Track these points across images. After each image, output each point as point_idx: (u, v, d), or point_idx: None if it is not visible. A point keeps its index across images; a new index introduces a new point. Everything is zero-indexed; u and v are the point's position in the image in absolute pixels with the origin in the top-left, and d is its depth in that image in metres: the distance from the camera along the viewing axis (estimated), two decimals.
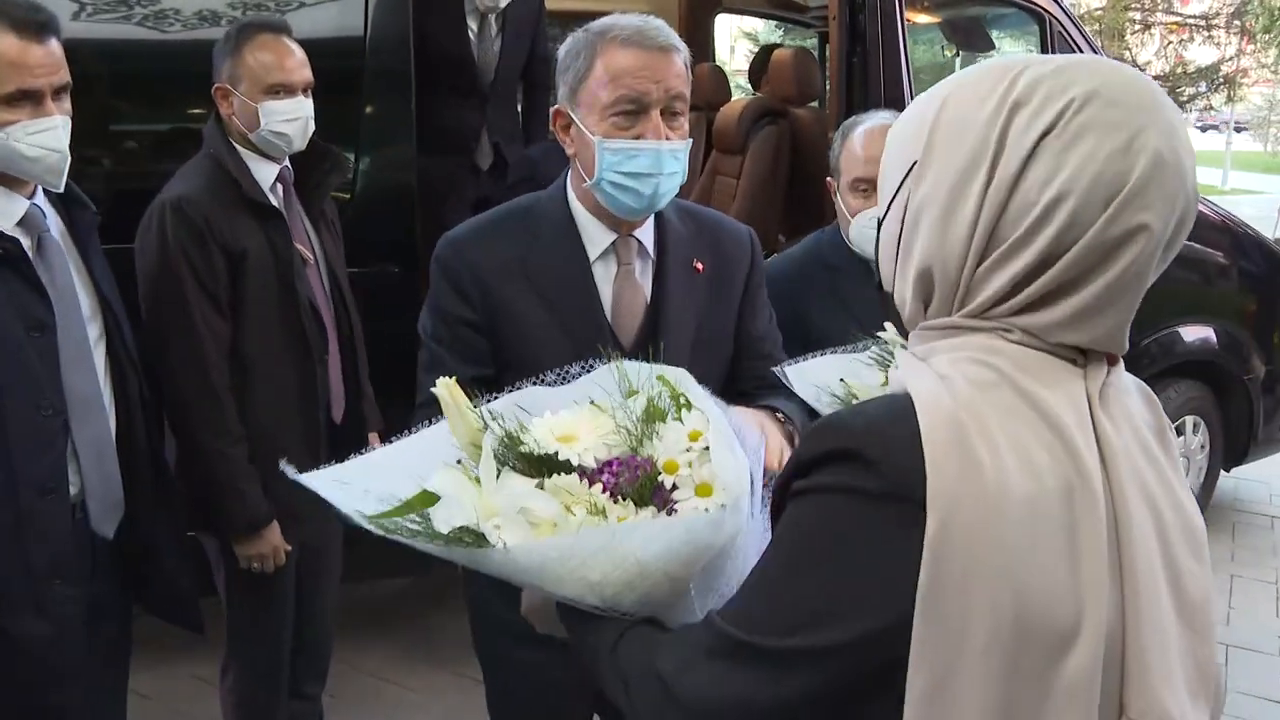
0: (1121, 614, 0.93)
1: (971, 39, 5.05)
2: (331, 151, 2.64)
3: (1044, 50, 4.09)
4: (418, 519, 1.18)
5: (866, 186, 2.25)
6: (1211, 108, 20.86)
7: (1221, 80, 20.04)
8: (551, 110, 1.75)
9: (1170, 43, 20.19)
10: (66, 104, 1.93)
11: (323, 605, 2.82)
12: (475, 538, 1.14)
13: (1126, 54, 19.47)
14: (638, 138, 1.66)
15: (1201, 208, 4.37)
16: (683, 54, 1.71)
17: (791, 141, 4.49)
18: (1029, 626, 0.90)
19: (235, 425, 2.40)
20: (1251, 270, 4.60)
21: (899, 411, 0.95)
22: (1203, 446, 4.63)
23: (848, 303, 2.20)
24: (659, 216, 1.84)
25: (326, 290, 2.62)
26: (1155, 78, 20.18)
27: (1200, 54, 20.81)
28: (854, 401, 1.76)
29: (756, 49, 8.38)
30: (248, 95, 2.41)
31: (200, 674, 3.26)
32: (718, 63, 5.80)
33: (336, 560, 2.84)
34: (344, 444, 2.57)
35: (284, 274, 2.45)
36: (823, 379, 1.82)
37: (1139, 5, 19.64)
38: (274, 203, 2.47)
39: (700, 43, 5.69)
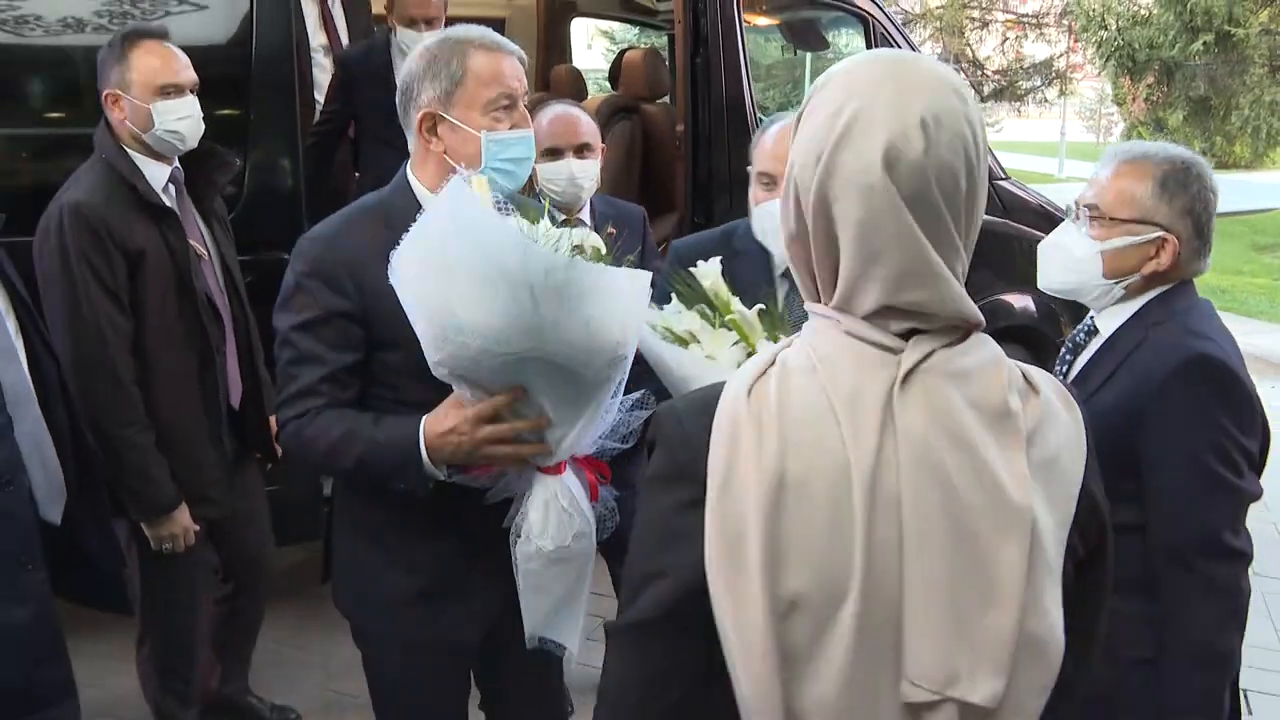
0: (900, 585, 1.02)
1: (807, 39, 5.48)
2: (218, 151, 2.75)
3: (869, 47, 4.50)
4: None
5: (769, 180, 2.36)
6: (1046, 100, 22.10)
7: (1054, 75, 21.21)
8: (418, 114, 1.88)
9: (1007, 39, 21.29)
10: None
11: (253, 575, 2.98)
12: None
13: (967, 50, 20.53)
14: (512, 128, 1.90)
15: (1023, 194, 4.88)
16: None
17: (644, 134, 4.81)
18: (800, 592, 1.02)
19: (141, 415, 2.52)
20: None
21: (709, 400, 1.09)
22: None
23: (740, 284, 2.28)
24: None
25: (221, 284, 2.74)
26: (995, 72, 21.25)
27: (1038, 50, 21.98)
28: (666, 337, 2.07)
29: (615, 49, 8.68)
30: (139, 98, 2.52)
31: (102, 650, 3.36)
32: (573, 64, 6.07)
33: (263, 529, 2.97)
34: (243, 428, 2.81)
35: (181, 271, 2.57)
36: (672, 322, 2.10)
37: (977, 4, 20.68)
38: (167, 203, 2.59)
39: (558, 45, 5.98)
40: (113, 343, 2.48)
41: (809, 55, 5.34)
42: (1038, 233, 4.97)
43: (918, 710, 1.03)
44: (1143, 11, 13.05)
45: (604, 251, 1.74)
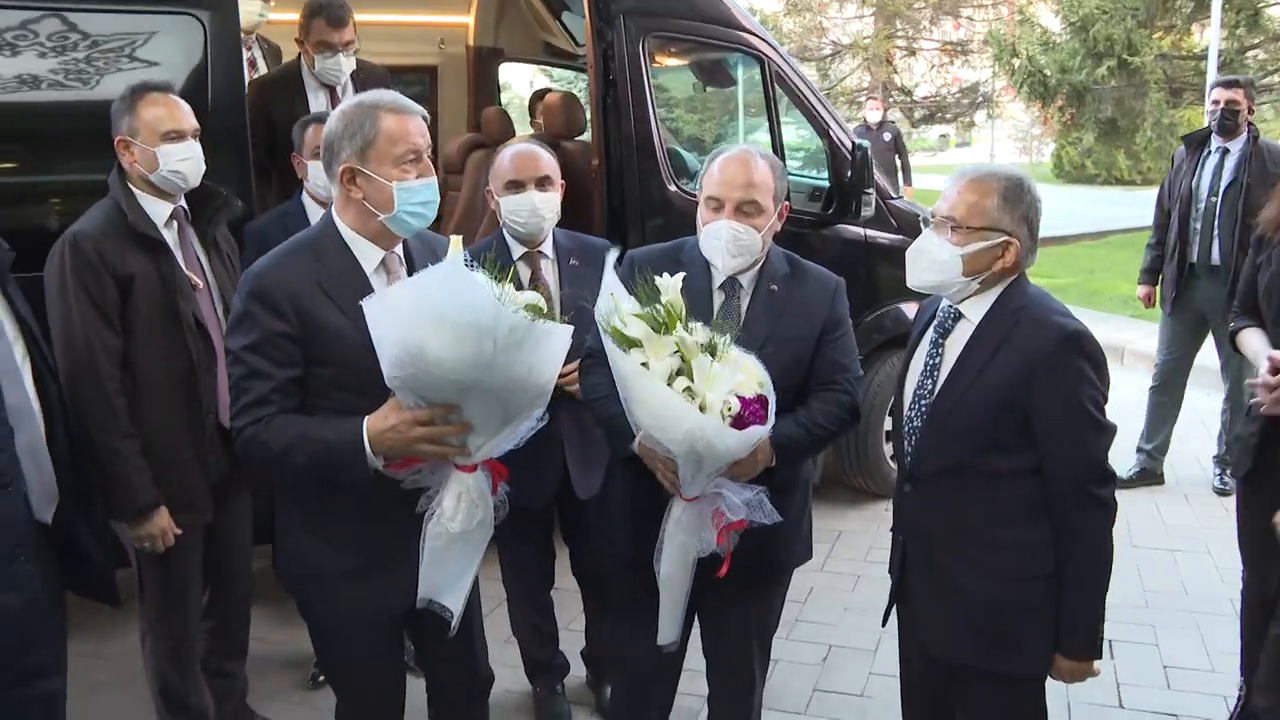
0: None
1: (715, 77, 5.94)
2: (220, 192, 3.06)
3: (765, 85, 4.96)
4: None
5: (718, 204, 2.59)
6: (974, 123, 22.93)
7: (981, 99, 21.97)
8: (340, 168, 2.22)
9: (934, 65, 22.06)
10: None
11: (234, 589, 3.23)
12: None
13: (895, 78, 21.30)
14: (418, 178, 2.25)
15: (914, 210, 5.31)
16: None
17: (563, 170, 5.21)
18: None
19: (124, 423, 2.77)
20: None
21: None
22: None
23: (685, 292, 2.45)
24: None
25: (218, 311, 3.00)
26: (924, 98, 21.88)
27: (965, 75, 22.74)
28: (616, 340, 2.37)
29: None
30: (146, 143, 2.83)
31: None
32: (502, 105, 6.48)
33: (245, 549, 3.24)
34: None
35: (169, 296, 2.84)
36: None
37: (903, 34, 21.46)
38: (166, 236, 2.88)
39: (487, 88, 6.40)
40: (100, 356, 2.74)
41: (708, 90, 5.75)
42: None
43: None
44: (1055, 38, 13.72)
45: (544, 310, 2.17)
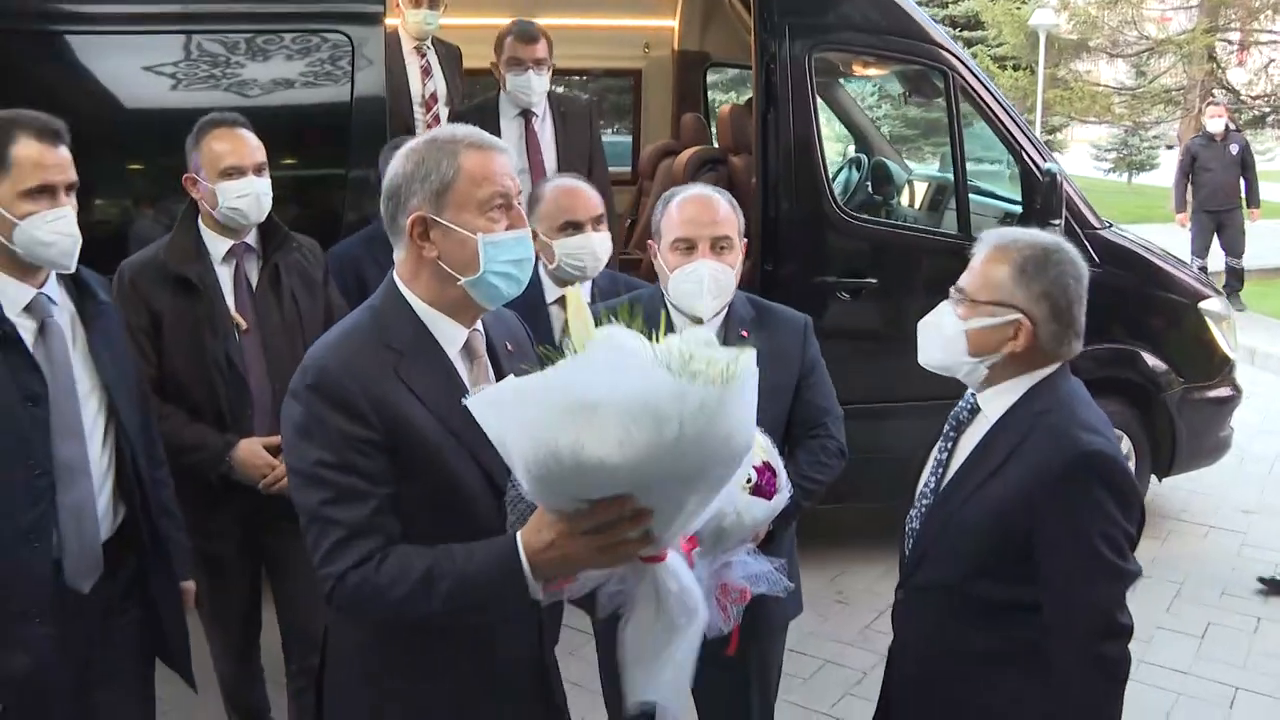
0: None
1: (920, 88, 5.59)
2: (279, 231, 2.99)
3: (949, 100, 4.59)
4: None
5: (687, 245, 2.44)
6: None
7: None
8: (408, 219, 1.76)
9: (1273, 60, 19.68)
10: (74, 199, 2.27)
11: (293, 591, 3.08)
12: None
13: (1219, 75, 19.17)
14: (509, 229, 1.77)
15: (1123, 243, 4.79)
16: None
17: (730, 184, 5.07)
18: None
19: (159, 453, 2.65)
20: None
21: None
22: None
23: None
24: None
25: (265, 358, 2.91)
26: (1255, 98, 19.55)
27: None
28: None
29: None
30: (208, 179, 2.84)
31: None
32: (704, 113, 6.36)
33: (301, 554, 3.20)
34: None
35: (198, 335, 2.84)
36: None
37: (1235, 25, 19.27)
38: (191, 275, 2.85)
39: (692, 94, 6.34)
40: (142, 374, 2.71)
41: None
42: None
43: None
44: None
45: (725, 364, 1.50)
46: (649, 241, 2.62)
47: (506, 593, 1.62)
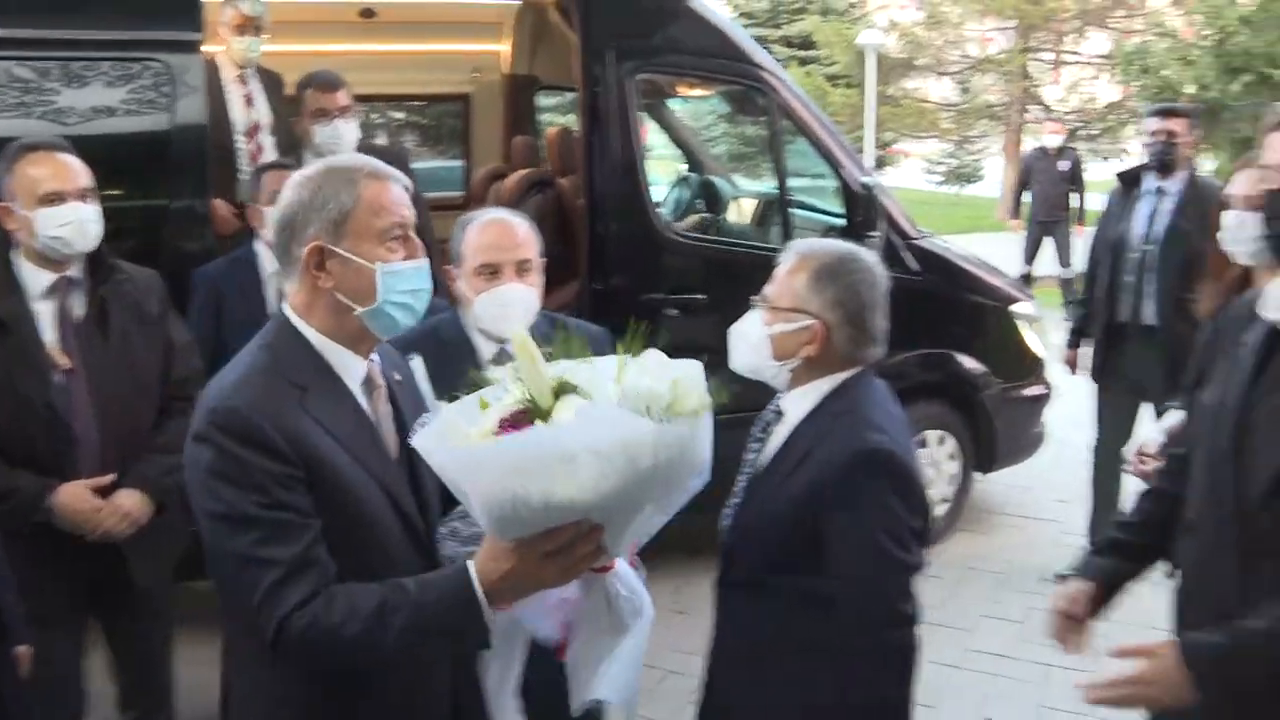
0: None
1: (744, 107, 5.77)
2: (105, 263, 2.78)
3: (771, 119, 4.76)
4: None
5: (491, 270, 2.45)
6: (1118, 141, 21.66)
7: (1127, 116, 20.72)
8: (304, 249, 1.71)
9: (1078, 80, 20.88)
10: None
11: (133, 641, 2.97)
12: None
13: (1033, 92, 20.29)
14: (406, 259, 1.75)
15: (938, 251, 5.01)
16: None
17: (558, 205, 5.14)
18: None
19: None
20: None
21: None
22: None
23: (447, 374, 2.14)
24: None
25: (91, 401, 2.70)
26: (1069, 113, 20.69)
27: (1107, 92, 21.40)
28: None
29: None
30: (24, 207, 2.62)
31: None
32: (535, 136, 6.39)
33: (145, 603, 2.92)
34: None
35: (5, 379, 2.62)
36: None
37: (1049, 46, 20.39)
38: (43, 308, 2.68)
39: (522, 117, 6.37)
40: None
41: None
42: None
43: None
44: (1191, 53, 12.85)
45: (696, 403, 1.60)
46: (445, 268, 2.55)
47: (464, 623, 1.62)
